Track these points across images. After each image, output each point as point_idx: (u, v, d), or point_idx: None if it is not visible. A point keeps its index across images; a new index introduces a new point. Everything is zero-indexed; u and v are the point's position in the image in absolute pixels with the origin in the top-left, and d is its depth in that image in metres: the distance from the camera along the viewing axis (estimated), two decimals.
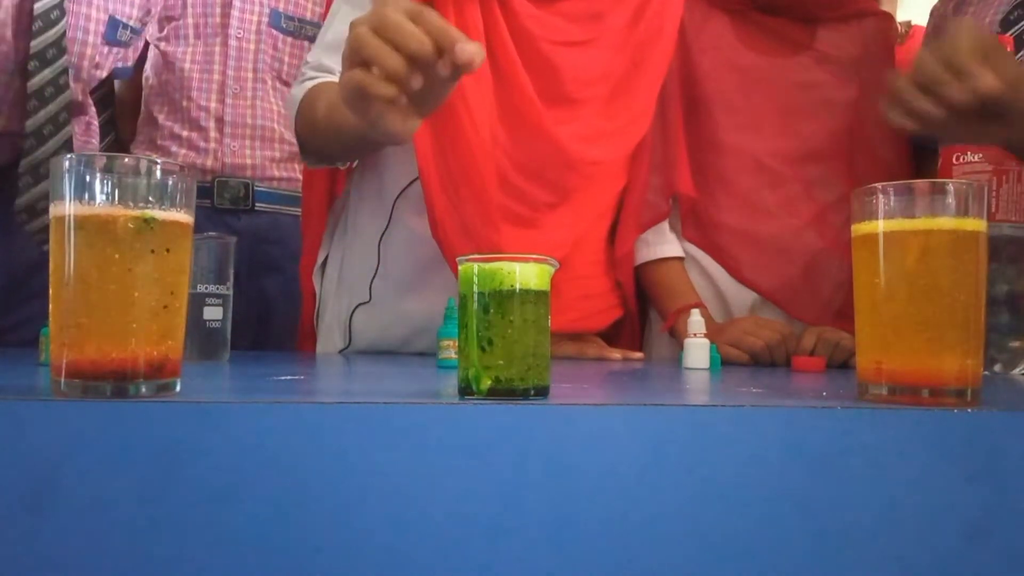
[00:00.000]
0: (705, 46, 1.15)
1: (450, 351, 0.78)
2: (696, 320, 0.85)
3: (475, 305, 0.45)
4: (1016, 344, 0.87)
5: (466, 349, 0.46)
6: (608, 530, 0.40)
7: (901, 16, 1.53)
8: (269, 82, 1.40)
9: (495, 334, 0.45)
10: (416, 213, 1.00)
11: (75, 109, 1.22)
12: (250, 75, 1.39)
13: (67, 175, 0.41)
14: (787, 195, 1.13)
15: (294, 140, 1.40)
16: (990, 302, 0.86)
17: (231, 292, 0.81)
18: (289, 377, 0.59)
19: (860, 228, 0.51)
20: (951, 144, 0.94)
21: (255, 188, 1.39)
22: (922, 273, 0.48)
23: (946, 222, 0.48)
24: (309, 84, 0.96)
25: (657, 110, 1.11)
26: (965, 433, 0.43)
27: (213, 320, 0.79)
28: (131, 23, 1.26)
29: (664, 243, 1.14)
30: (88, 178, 0.41)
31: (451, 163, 0.96)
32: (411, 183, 1.01)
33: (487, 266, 0.45)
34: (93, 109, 1.28)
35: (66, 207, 0.41)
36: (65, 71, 1.16)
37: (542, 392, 0.45)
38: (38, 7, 1.13)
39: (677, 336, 1.07)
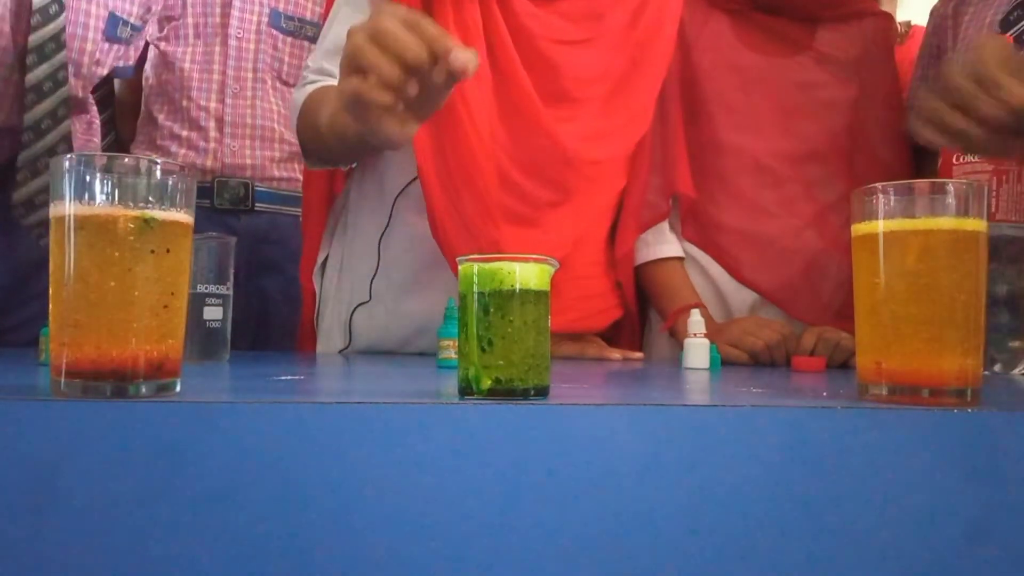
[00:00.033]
0: (705, 46, 1.15)
1: (450, 351, 0.78)
2: (696, 320, 0.85)
3: (475, 305, 0.45)
4: (1016, 344, 0.87)
5: (466, 349, 0.46)
6: (608, 530, 0.40)
7: (901, 16, 1.53)
8: (269, 82, 1.40)
9: (495, 334, 0.45)
10: (416, 212, 1.01)
11: (76, 107, 1.22)
12: (250, 75, 1.39)
13: (67, 175, 0.41)
14: (787, 195, 1.13)
15: (294, 140, 1.41)
16: (990, 302, 0.86)
17: (231, 292, 0.81)
18: (289, 377, 0.59)
19: (860, 228, 0.51)
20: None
21: (255, 188, 1.39)
22: (922, 273, 0.48)
23: (946, 222, 0.48)
24: (310, 88, 0.97)
25: (657, 110, 1.11)
26: (965, 433, 0.43)
27: (213, 320, 0.79)
28: (132, 20, 1.26)
29: (664, 243, 1.14)
30: (88, 178, 0.41)
31: (451, 162, 0.96)
32: (411, 182, 1.01)
33: (487, 266, 0.45)
34: (95, 108, 1.28)
35: (66, 207, 0.41)
36: (64, 66, 1.16)
37: (542, 392, 0.45)
38: (37, 1, 1.13)
39: (677, 336, 1.07)
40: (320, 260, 1.13)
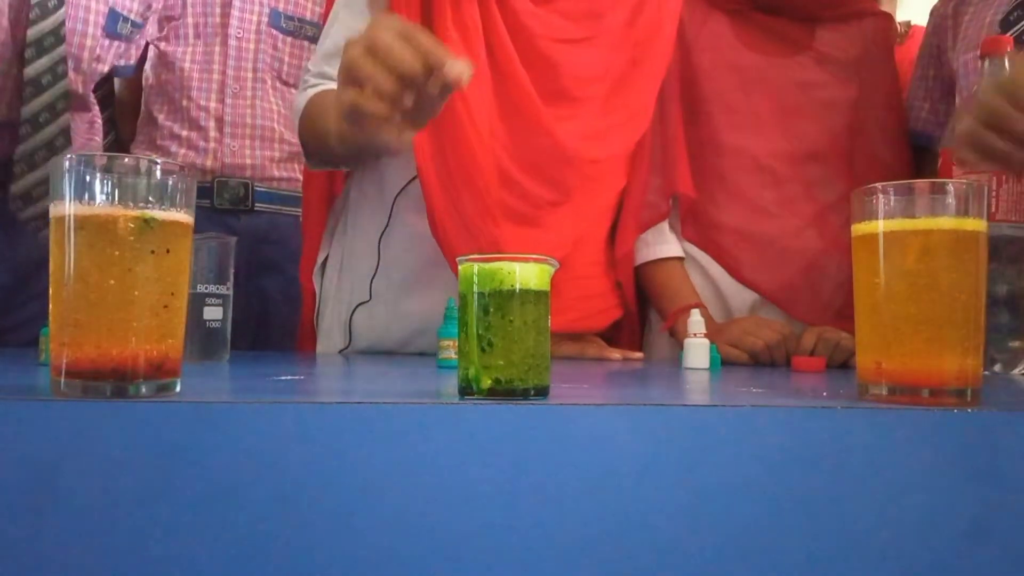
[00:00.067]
0: (704, 46, 1.15)
1: (450, 351, 0.78)
2: (696, 320, 0.85)
3: (475, 305, 0.45)
4: (1016, 344, 0.87)
5: (466, 349, 0.46)
6: (608, 530, 0.40)
7: (901, 16, 1.53)
8: (269, 82, 1.40)
9: (495, 334, 0.45)
10: (416, 211, 1.01)
11: (77, 103, 1.22)
12: (250, 75, 1.39)
13: (67, 175, 0.41)
14: (787, 195, 1.13)
15: (293, 140, 1.41)
16: (990, 302, 0.86)
17: (231, 292, 0.81)
18: (289, 377, 0.59)
19: (860, 228, 0.51)
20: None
21: (255, 188, 1.39)
22: (922, 273, 0.48)
23: (946, 222, 0.48)
24: (311, 92, 0.97)
25: (657, 110, 1.11)
26: (965, 433, 0.43)
27: (213, 320, 0.79)
28: (132, 16, 1.26)
29: (664, 243, 1.14)
30: (88, 178, 0.41)
31: (450, 161, 0.96)
32: (410, 181, 1.01)
33: (487, 266, 0.45)
34: (96, 107, 1.28)
35: (66, 207, 0.41)
36: (63, 60, 1.15)
37: (542, 392, 0.45)
38: None
39: (677, 336, 1.07)
40: (320, 260, 1.13)
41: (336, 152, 0.92)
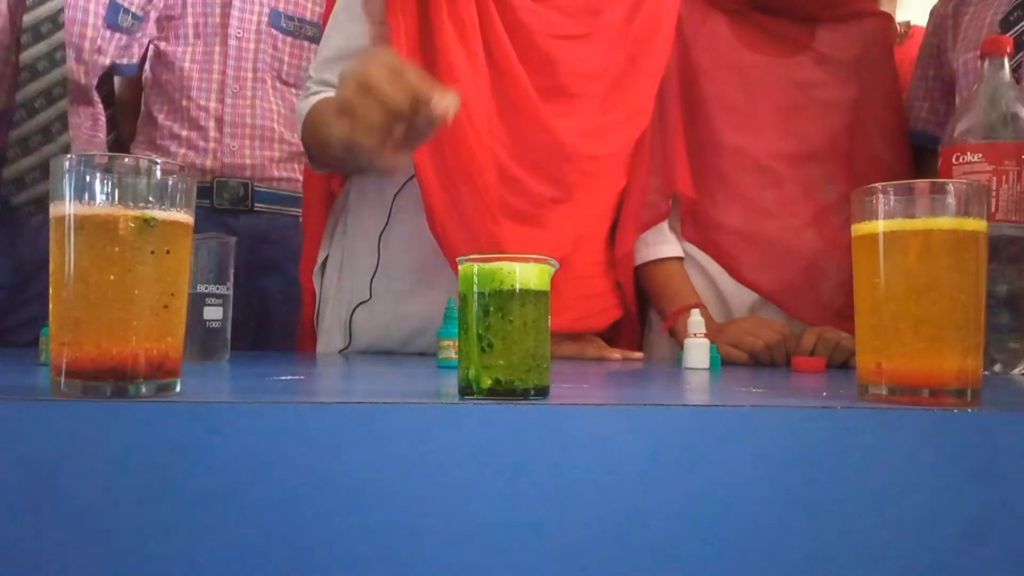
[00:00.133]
0: (704, 46, 1.15)
1: (450, 351, 0.78)
2: (696, 320, 0.85)
3: (475, 305, 0.45)
4: (1016, 344, 0.87)
5: (466, 349, 0.46)
6: (608, 530, 0.40)
7: (901, 16, 1.53)
8: (269, 82, 1.40)
9: (495, 334, 0.45)
10: (415, 210, 1.01)
11: (79, 96, 1.21)
12: (250, 75, 1.39)
13: (67, 175, 0.41)
14: (787, 195, 1.13)
15: (293, 140, 1.41)
16: (990, 302, 0.86)
17: (231, 292, 0.81)
18: (289, 377, 0.59)
19: (860, 228, 0.51)
20: None
21: (254, 188, 1.39)
22: (922, 273, 0.48)
23: (946, 222, 0.48)
24: (314, 99, 0.98)
25: (656, 110, 1.11)
26: (965, 433, 0.43)
27: (213, 320, 0.79)
28: (132, 8, 1.26)
29: (664, 243, 1.14)
30: (88, 178, 0.41)
31: (448, 159, 0.96)
32: (409, 179, 1.01)
33: (487, 266, 0.45)
34: (100, 103, 1.28)
35: (66, 207, 0.41)
36: (60, 47, 1.15)
37: (542, 392, 0.45)
38: None
39: (677, 336, 1.07)
40: (320, 260, 1.13)
41: (340, 163, 0.94)
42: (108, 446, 0.37)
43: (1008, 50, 0.92)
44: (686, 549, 0.41)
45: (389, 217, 1.04)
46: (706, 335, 0.86)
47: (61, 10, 1.15)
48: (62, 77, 1.15)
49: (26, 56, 1.12)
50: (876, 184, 0.50)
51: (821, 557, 0.41)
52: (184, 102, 1.37)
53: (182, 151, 1.37)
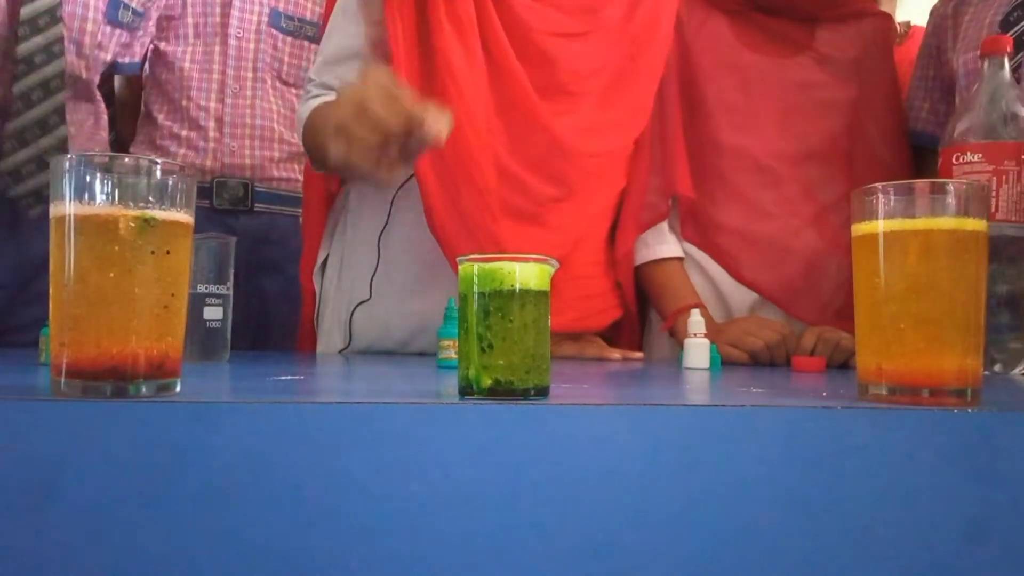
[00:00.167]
0: (704, 46, 1.15)
1: (450, 351, 0.78)
2: (696, 320, 0.85)
3: (475, 305, 0.45)
4: (1016, 344, 0.87)
5: (466, 349, 0.46)
6: (608, 530, 0.40)
7: (901, 16, 1.53)
8: (269, 82, 1.40)
9: (495, 334, 0.45)
10: (415, 210, 1.01)
11: (80, 92, 1.21)
12: (250, 75, 1.39)
13: (67, 175, 0.41)
14: (787, 195, 1.13)
15: (293, 140, 1.41)
16: (990, 302, 0.86)
17: (231, 292, 0.81)
18: (289, 377, 0.59)
19: (860, 228, 0.51)
20: None
21: (254, 188, 1.39)
22: (922, 273, 0.48)
23: (946, 222, 0.48)
24: (314, 102, 0.99)
25: (656, 110, 1.11)
26: (965, 433, 0.43)
27: (213, 320, 0.79)
28: (132, 4, 1.25)
29: (663, 243, 1.14)
30: (88, 178, 0.41)
31: (448, 158, 0.96)
32: (409, 179, 1.01)
33: (487, 266, 0.45)
34: (102, 101, 1.28)
35: (66, 207, 0.41)
36: (59, 40, 1.14)
37: (542, 392, 0.45)
38: None
39: (677, 336, 1.07)
40: (320, 260, 1.13)
41: (337, 170, 0.96)
42: (108, 446, 0.37)
43: (1008, 50, 0.92)
44: (686, 549, 0.41)
45: (389, 217, 1.04)
46: (706, 335, 0.86)
47: (59, 3, 1.15)
48: (60, 70, 1.15)
49: (23, 49, 1.12)
50: (876, 184, 0.50)
51: (821, 557, 0.41)
52: (184, 102, 1.37)
53: (182, 151, 1.37)
